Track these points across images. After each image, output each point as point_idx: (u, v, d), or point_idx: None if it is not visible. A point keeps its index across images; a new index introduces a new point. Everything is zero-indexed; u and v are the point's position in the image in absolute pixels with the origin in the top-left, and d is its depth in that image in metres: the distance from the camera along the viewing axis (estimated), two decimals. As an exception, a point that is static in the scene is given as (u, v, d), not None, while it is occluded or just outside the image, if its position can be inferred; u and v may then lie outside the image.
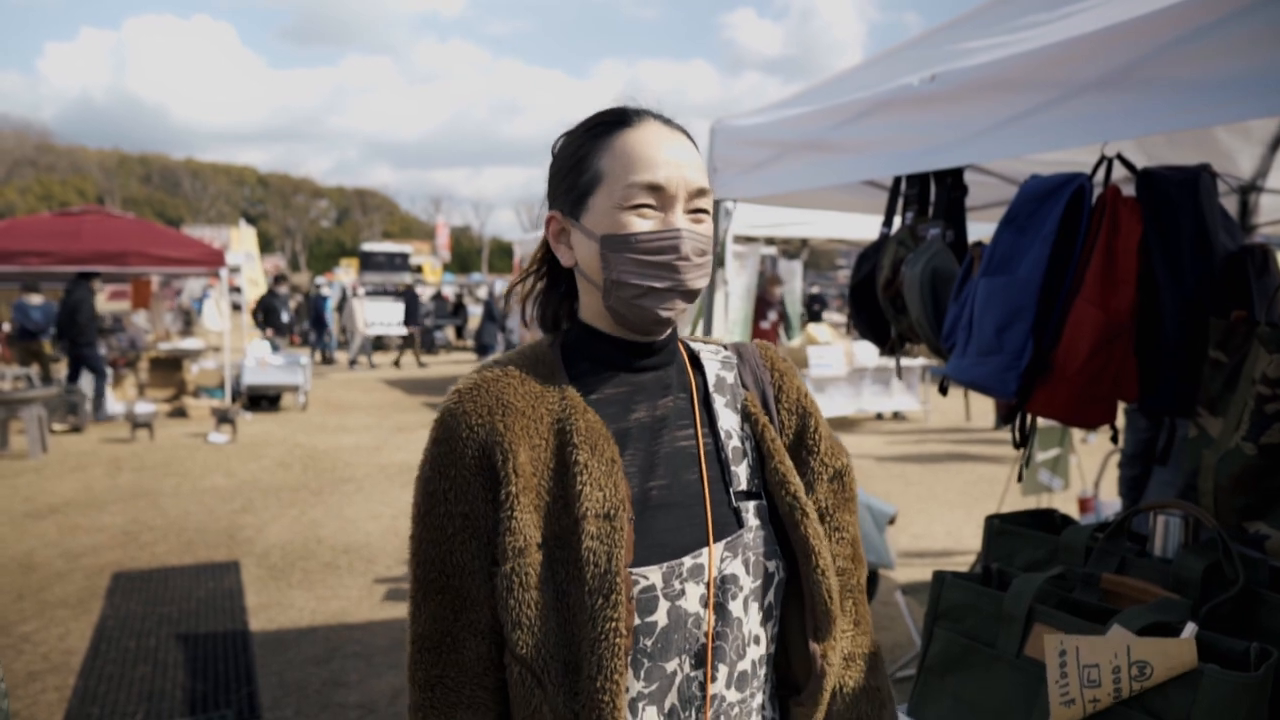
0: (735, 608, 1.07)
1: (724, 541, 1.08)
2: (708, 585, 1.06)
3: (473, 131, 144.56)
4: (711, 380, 1.19)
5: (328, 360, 20.01)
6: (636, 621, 1.02)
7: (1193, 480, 1.91)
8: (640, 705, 1.03)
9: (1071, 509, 5.29)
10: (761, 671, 1.12)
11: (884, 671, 1.25)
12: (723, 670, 1.07)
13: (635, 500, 1.07)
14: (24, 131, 65.00)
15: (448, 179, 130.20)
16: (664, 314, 1.09)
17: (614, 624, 0.98)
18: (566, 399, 1.10)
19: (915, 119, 2.62)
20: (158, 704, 3.78)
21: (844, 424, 11.14)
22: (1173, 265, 1.86)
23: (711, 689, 1.05)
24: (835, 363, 10.76)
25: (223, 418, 10.02)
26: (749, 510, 1.12)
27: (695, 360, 1.22)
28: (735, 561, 1.08)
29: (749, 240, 10.36)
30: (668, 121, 1.13)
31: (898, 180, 2.99)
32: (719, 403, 1.17)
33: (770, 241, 12.85)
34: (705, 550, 1.06)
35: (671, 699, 1.05)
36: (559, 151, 1.16)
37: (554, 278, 1.22)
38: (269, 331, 14.59)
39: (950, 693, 1.62)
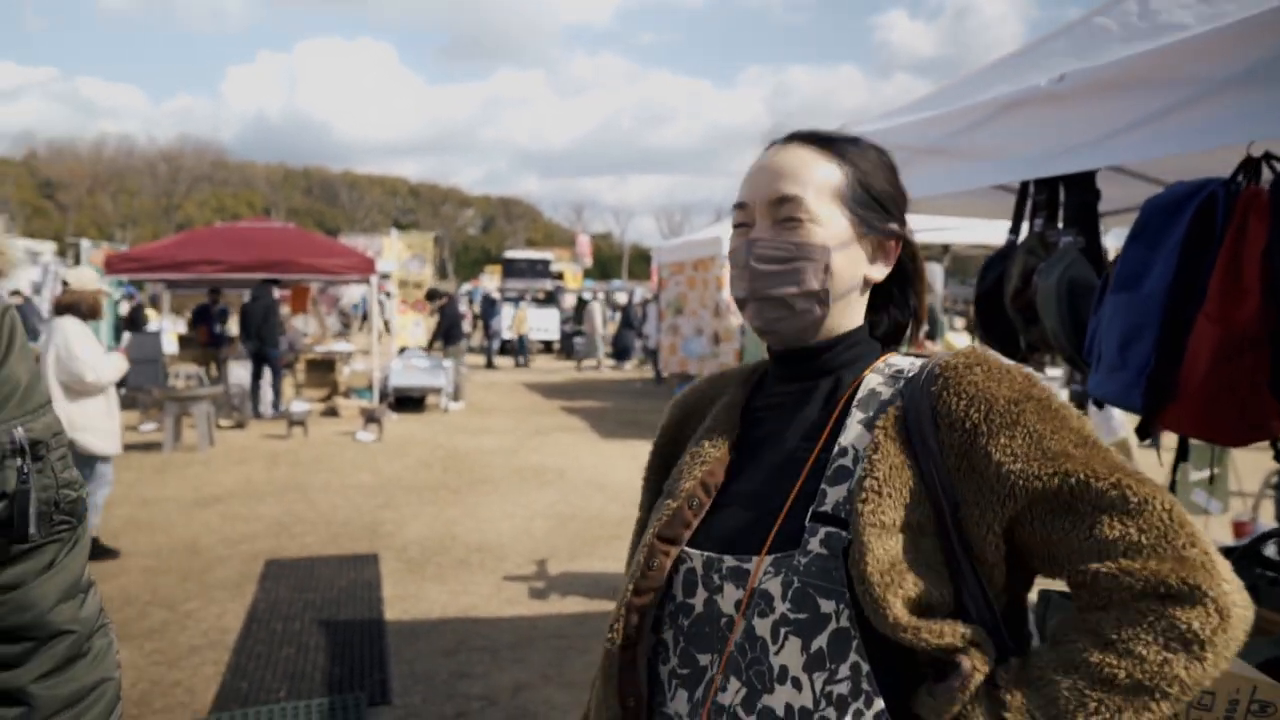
0: (762, 628, 1.00)
1: (774, 556, 1.01)
2: (746, 593, 1.02)
3: (618, 140, 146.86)
4: (862, 394, 1.09)
5: (490, 365, 20.79)
6: (680, 598, 1.09)
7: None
8: (674, 683, 1.09)
9: (1228, 534, 4.95)
10: None
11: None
12: (734, 685, 1.01)
13: (720, 491, 1.12)
14: (203, 150, 70.16)
15: (593, 187, 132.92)
16: (754, 322, 1.12)
17: (635, 581, 1.11)
18: (727, 398, 1.21)
19: (1044, 121, 2.53)
20: (299, 683, 4.03)
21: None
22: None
23: (718, 697, 1.02)
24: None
25: (370, 417, 10.54)
26: (817, 534, 0.99)
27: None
28: (775, 581, 1.00)
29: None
30: (789, 139, 1.15)
31: (1025, 185, 2.89)
32: (855, 417, 1.07)
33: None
34: (755, 558, 1.02)
35: (699, 692, 1.05)
36: None
37: None
38: (437, 345, 14.01)
39: None
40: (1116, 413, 8.27)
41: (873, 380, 1.10)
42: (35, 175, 62.51)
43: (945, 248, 12.34)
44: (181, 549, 6.03)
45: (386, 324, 16.32)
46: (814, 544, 0.99)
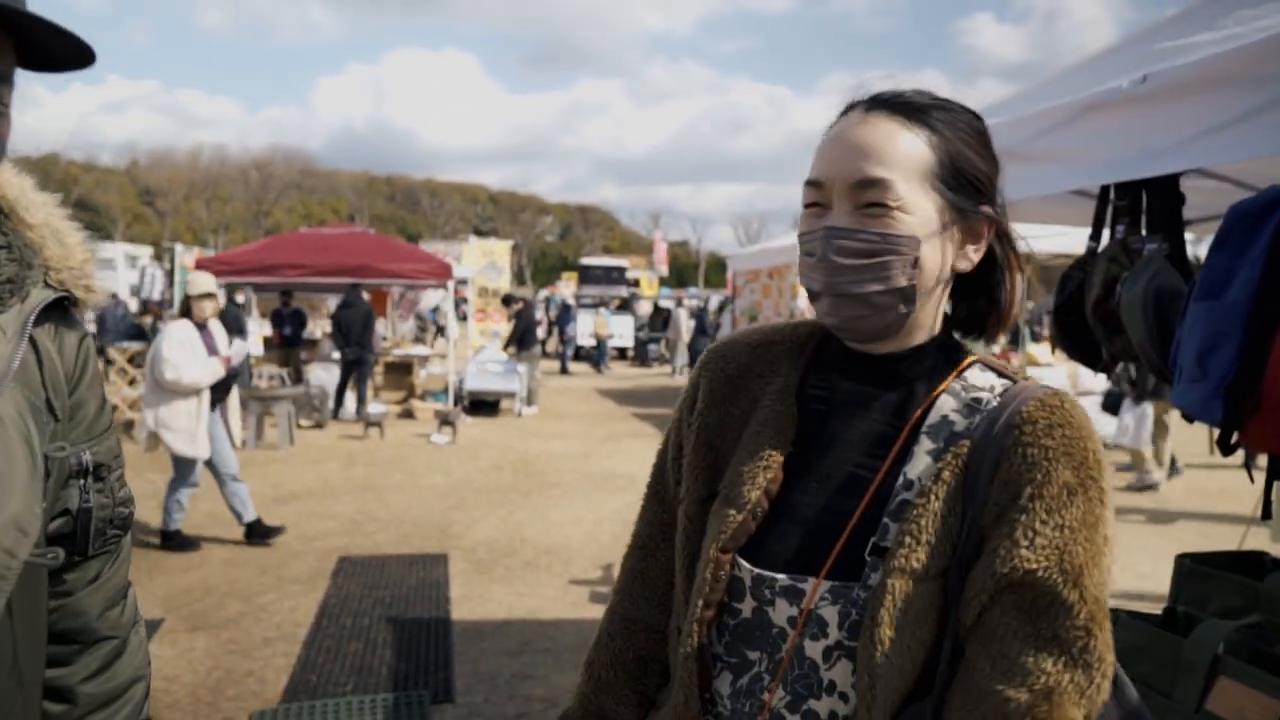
0: (813, 650, 0.98)
1: (832, 584, 0.98)
2: (801, 613, 0.99)
3: (697, 148, 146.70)
4: (934, 418, 1.02)
5: (565, 370, 20.96)
6: (727, 599, 1.05)
7: None
8: (719, 666, 1.05)
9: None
10: None
11: None
12: (781, 693, 1.00)
13: (777, 499, 1.05)
14: (292, 158, 72.43)
15: (671, 195, 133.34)
16: (829, 319, 1.02)
17: (703, 595, 1.04)
18: (780, 380, 1.11)
19: (1125, 123, 2.44)
20: (365, 678, 4.11)
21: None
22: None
23: (771, 699, 1.00)
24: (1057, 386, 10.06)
25: (445, 420, 10.71)
26: (878, 570, 0.96)
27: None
28: (831, 609, 0.97)
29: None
30: (872, 105, 1.02)
31: (1105, 190, 2.79)
32: (924, 445, 1.01)
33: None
34: (812, 581, 0.98)
35: (743, 681, 1.03)
36: None
37: None
38: (511, 350, 13.99)
39: (1121, 743, 1.49)
40: (1148, 425, 8.11)
41: (947, 405, 1.03)
42: (136, 183, 65.32)
43: (1027, 257, 12.02)
44: (261, 543, 6.20)
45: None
46: (874, 579, 0.96)
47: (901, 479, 1.00)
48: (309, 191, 71.29)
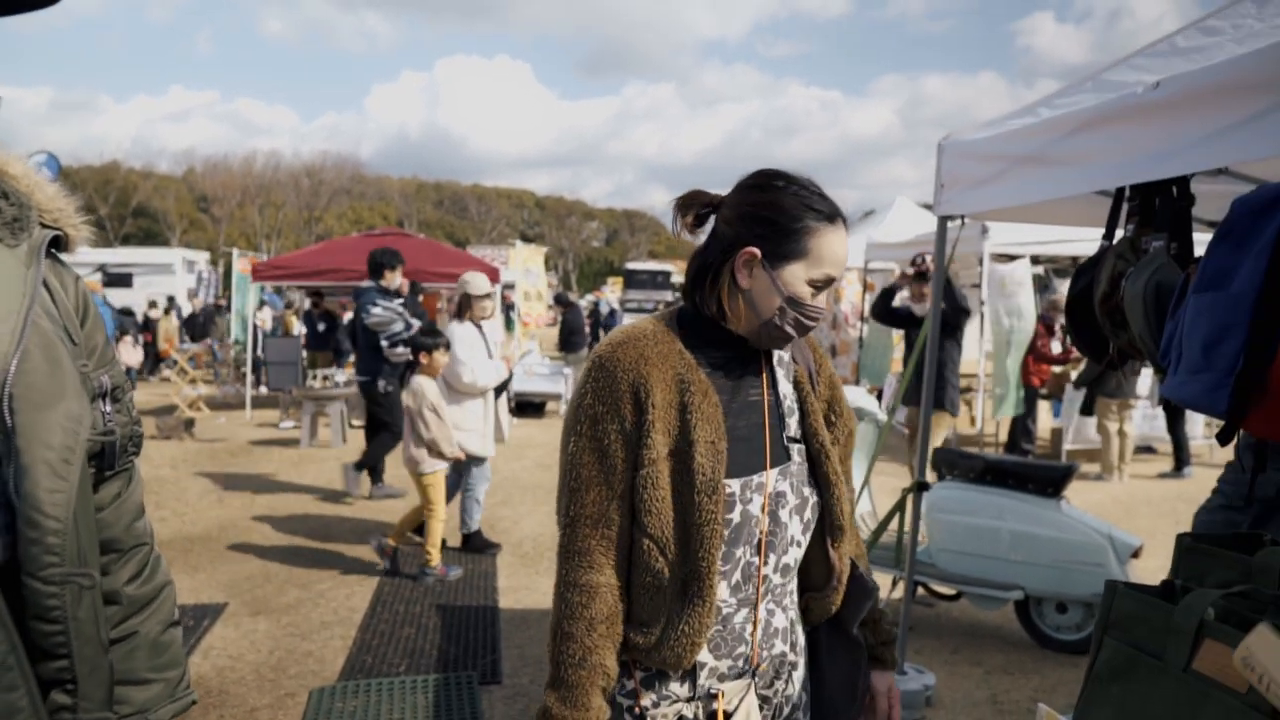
0: (783, 515, 1.52)
1: (778, 468, 1.53)
2: (765, 498, 1.50)
3: (748, 153, 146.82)
4: (775, 357, 1.63)
5: None
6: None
7: None
8: (718, 579, 1.46)
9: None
10: (796, 568, 1.60)
11: (868, 566, 1.73)
12: (772, 559, 1.52)
13: (726, 433, 1.48)
14: (342, 164, 73.55)
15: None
16: (780, 346, 1.60)
17: (714, 515, 1.42)
18: (685, 360, 1.51)
19: (1140, 127, 2.54)
20: (417, 660, 4.31)
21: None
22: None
23: (763, 570, 1.52)
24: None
25: (492, 420, 10.91)
26: (795, 449, 1.57)
27: None
28: (784, 483, 1.53)
29: (1010, 258, 9.88)
30: (846, 225, 1.52)
31: (1120, 191, 2.88)
32: (779, 373, 1.62)
33: (1036, 260, 12.15)
34: (765, 473, 1.50)
35: (736, 576, 1.50)
36: (773, 202, 1.49)
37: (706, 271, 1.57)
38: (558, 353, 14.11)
39: (1114, 702, 1.60)
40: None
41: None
42: (193, 190, 66.71)
43: (1073, 260, 11.94)
44: (316, 535, 6.47)
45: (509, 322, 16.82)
46: (796, 456, 1.58)
47: (778, 395, 1.60)
48: (359, 197, 72.25)
